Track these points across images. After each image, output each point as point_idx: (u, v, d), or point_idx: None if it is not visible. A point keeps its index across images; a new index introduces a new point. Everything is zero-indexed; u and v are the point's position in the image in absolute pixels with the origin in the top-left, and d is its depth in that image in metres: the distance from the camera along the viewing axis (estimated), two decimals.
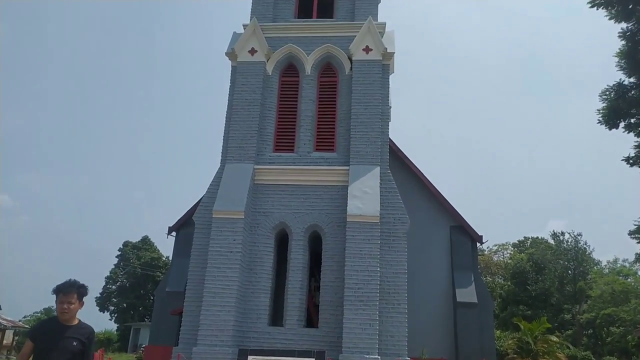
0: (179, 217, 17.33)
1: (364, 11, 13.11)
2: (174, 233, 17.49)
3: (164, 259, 43.12)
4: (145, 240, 44.84)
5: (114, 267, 44.21)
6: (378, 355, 9.87)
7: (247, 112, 12.34)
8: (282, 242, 12.02)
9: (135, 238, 45.72)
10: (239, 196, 11.33)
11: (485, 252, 38.73)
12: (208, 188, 12.03)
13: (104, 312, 43.00)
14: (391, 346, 10.28)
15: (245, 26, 13.08)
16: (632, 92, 16.18)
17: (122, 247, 44.38)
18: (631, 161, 15.76)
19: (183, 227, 16.99)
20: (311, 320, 12.08)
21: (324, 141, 12.42)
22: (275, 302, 11.66)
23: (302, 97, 12.74)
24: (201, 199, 12.25)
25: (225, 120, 12.61)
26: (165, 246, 55.14)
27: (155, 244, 44.64)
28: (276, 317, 11.63)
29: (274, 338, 10.69)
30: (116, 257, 44.37)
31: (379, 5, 13.70)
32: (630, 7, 15.72)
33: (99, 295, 42.95)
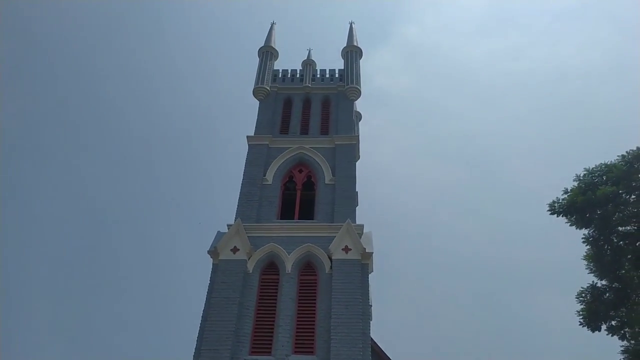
0: None
1: (343, 214, 13.93)
2: None
3: None
4: None
5: None
6: None
7: (224, 311, 11.99)
8: None
9: None
10: None
11: None
12: None
13: None
14: None
15: (229, 226, 13.62)
16: (607, 295, 16.49)
17: None
18: None
19: None
20: None
21: (304, 343, 11.86)
22: None
23: (281, 296, 12.60)
24: None
25: (201, 320, 12.15)
26: None
27: None
28: None
29: None
30: None
31: (356, 208, 14.68)
32: (587, 215, 17.10)
33: None
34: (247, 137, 16.18)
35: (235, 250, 13.07)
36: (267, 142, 15.98)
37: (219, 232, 13.92)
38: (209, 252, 13.29)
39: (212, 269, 13.07)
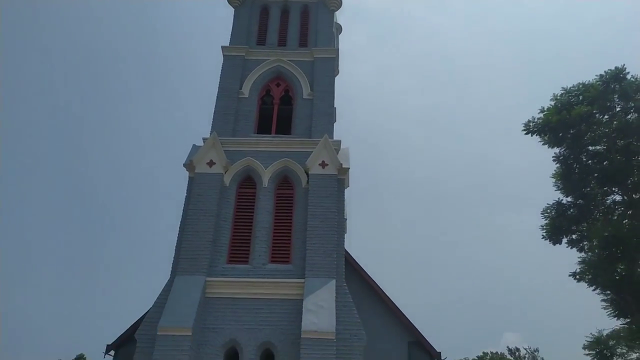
0: (119, 334, 16.00)
1: (321, 129, 13.84)
2: (112, 352, 16.01)
3: None
4: (80, 359, 40.77)
5: None
6: None
7: (201, 223, 12.19)
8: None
9: (68, 357, 41.49)
10: (187, 311, 10.73)
11: None
12: (155, 301, 11.36)
13: None
14: None
15: (205, 139, 13.44)
16: (571, 210, 17.33)
17: None
18: (577, 277, 16.38)
19: (124, 345, 15.63)
20: None
21: (280, 253, 12.27)
22: None
23: (258, 209, 12.80)
24: (146, 313, 11.50)
25: (179, 231, 12.37)
26: None
27: None
28: None
29: None
30: None
31: (334, 124, 14.58)
32: (560, 134, 17.46)
33: None
34: (222, 47, 15.50)
35: (211, 163, 13.02)
36: (243, 54, 15.37)
37: (194, 145, 13.76)
38: (184, 165, 13.21)
39: (189, 182, 13.07)
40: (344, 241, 12.55)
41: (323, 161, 13.09)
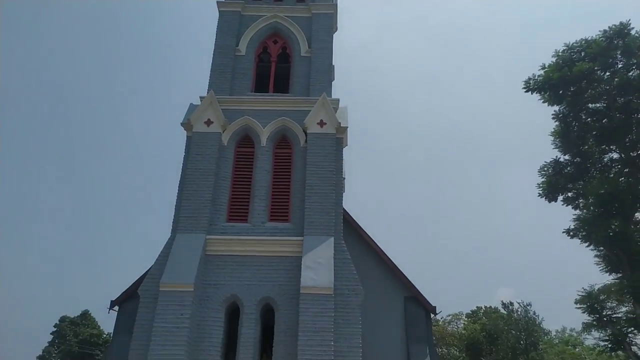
0: (123, 290, 16.39)
1: (319, 88, 13.69)
2: (116, 307, 16.45)
3: (104, 335, 40.11)
4: (86, 315, 41.85)
5: (47, 344, 40.60)
6: None
7: (200, 182, 12.26)
8: (233, 315, 11.56)
9: (73, 313, 42.61)
10: (189, 268, 10.97)
11: (440, 323, 38.60)
12: (157, 259, 11.59)
13: None
14: None
15: (202, 98, 13.32)
16: (568, 169, 17.41)
17: (58, 322, 41.13)
18: (571, 233, 16.65)
19: (127, 301, 16.04)
20: None
21: (279, 211, 12.41)
22: None
23: (257, 168, 12.84)
24: (148, 270, 11.75)
25: (178, 190, 12.45)
26: (108, 322, 51.69)
27: (96, 320, 41.65)
28: None
29: None
30: (51, 333, 40.91)
31: (332, 82, 14.40)
32: (560, 92, 17.30)
33: None
34: (218, 2, 15.12)
35: (209, 122, 12.96)
36: (239, 9, 15.00)
37: (191, 104, 13.65)
38: (182, 124, 13.16)
39: (186, 141, 13.05)
40: (342, 199, 12.68)
41: (321, 120, 13.03)
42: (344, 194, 13.17)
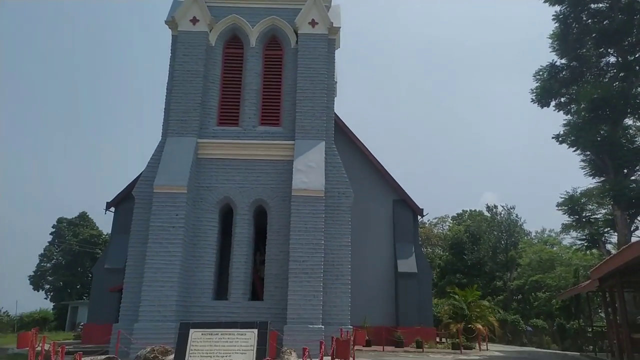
0: (118, 192, 16.71)
1: None
2: (112, 209, 16.87)
3: (104, 236, 41.57)
4: (83, 216, 42.96)
5: (48, 244, 42.15)
6: (322, 325, 10.14)
7: (189, 84, 11.97)
8: (227, 216, 11.93)
9: (71, 214, 43.65)
10: (181, 170, 11.08)
11: (426, 225, 40.22)
12: (149, 162, 11.66)
13: (38, 291, 41.11)
14: (334, 315, 10.59)
15: None
16: (564, 73, 17.12)
17: (56, 223, 42.31)
18: (560, 139, 16.79)
19: (122, 203, 16.42)
20: (256, 293, 12.17)
21: (270, 115, 12.31)
22: (220, 277, 11.63)
23: (246, 70, 12.49)
24: (141, 173, 11.87)
25: (167, 92, 12.19)
26: (106, 223, 53.20)
27: (94, 221, 42.82)
28: (221, 291, 11.62)
29: (218, 312, 10.70)
30: (50, 234, 42.28)
31: None
32: None
33: (32, 273, 40.98)
34: None
35: (194, 20, 12.34)
36: None
37: (175, 0, 12.90)
38: (166, 22, 12.53)
39: (172, 40, 12.53)
40: (333, 104, 12.54)
41: (313, 19, 12.46)
42: (335, 98, 12.99)
